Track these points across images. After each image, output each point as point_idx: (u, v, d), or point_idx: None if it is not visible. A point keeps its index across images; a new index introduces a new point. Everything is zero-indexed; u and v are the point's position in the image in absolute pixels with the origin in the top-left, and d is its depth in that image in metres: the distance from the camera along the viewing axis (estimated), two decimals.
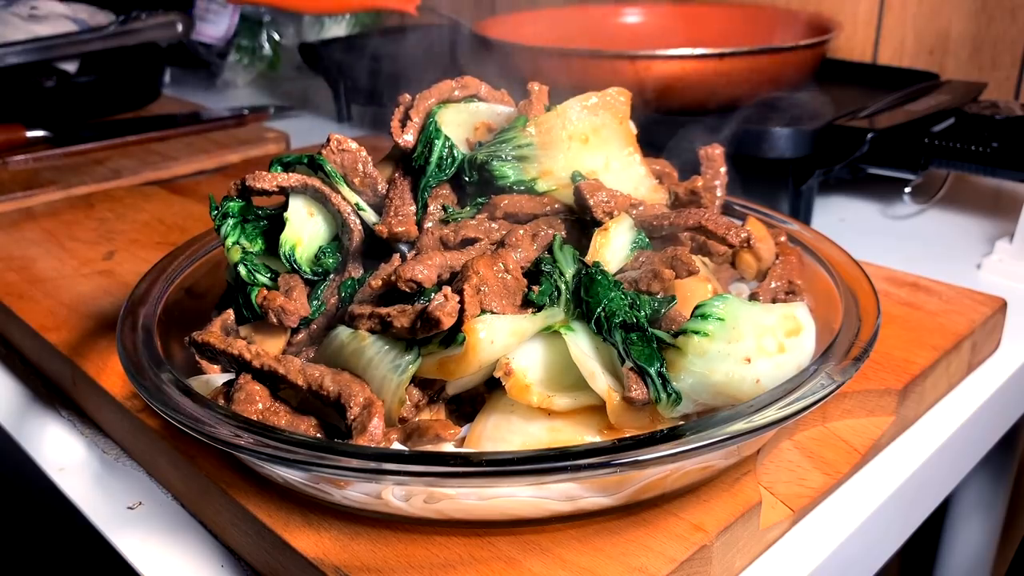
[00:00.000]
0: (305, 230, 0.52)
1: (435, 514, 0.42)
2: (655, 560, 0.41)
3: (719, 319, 0.42)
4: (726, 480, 0.45)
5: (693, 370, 0.42)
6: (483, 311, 0.43)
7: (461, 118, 0.55)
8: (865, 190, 0.97)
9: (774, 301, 0.52)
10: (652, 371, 0.42)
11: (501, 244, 0.49)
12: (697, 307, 0.43)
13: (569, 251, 0.47)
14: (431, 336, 0.43)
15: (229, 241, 0.52)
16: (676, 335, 0.43)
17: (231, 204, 0.53)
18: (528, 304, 0.45)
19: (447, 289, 0.42)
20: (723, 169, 0.59)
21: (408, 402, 0.45)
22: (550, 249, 0.48)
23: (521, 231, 0.49)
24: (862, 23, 1.10)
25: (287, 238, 0.51)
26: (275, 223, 0.53)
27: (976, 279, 0.78)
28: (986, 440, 0.66)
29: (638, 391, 0.42)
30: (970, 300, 0.64)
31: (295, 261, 0.51)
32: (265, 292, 0.49)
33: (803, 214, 0.86)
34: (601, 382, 0.43)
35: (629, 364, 0.43)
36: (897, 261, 0.71)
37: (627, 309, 0.44)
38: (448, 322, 0.42)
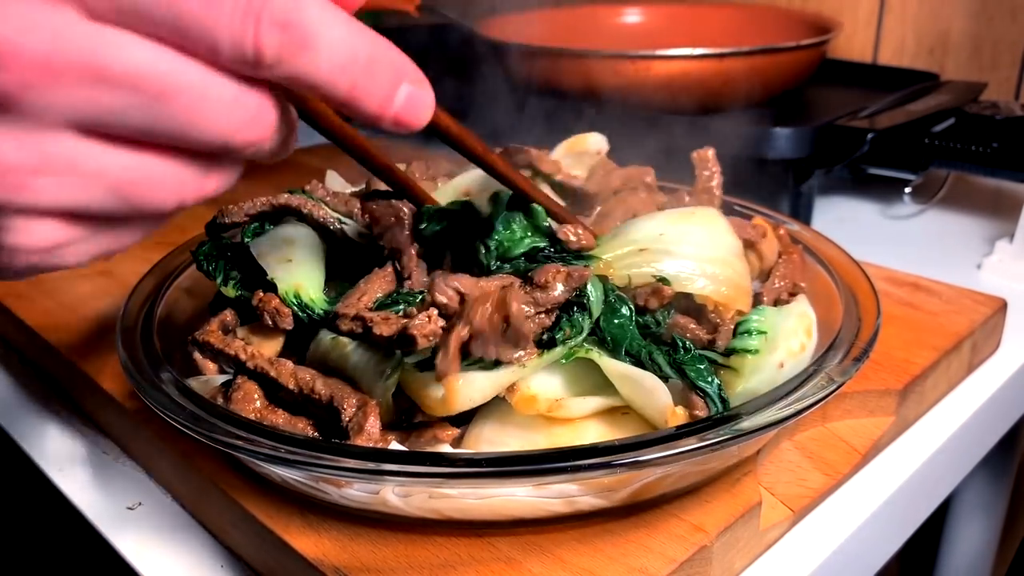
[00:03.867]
0: (293, 275, 0.50)
1: (435, 514, 0.42)
2: (655, 561, 0.41)
3: (762, 332, 0.43)
4: (726, 480, 0.45)
5: (748, 386, 0.43)
6: (471, 359, 0.42)
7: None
8: (865, 190, 0.97)
9: (776, 302, 0.52)
10: (711, 391, 0.42)
11: (529, 281, 0.43)
12: (739, 324, 0.43)
13: (599, 285, 0.45)
14: (408, 351, 0.42)
15: (219, 280, 0.52)
16: (728, 354, 0.43)
17: (202, 250, 0.53)
18: (541, 343, 0.43)
19: (433, 311, 0.42)
20: (717, 169, 0.59)
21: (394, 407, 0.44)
22: (582, 288, 0.44)
23: (554, 269, 0.44)
24: (862, 23, 1.10)
25: (286, 291, 0.49)
26: (241, 250, 0.53)
27: (976, 279, 0.78)
28: (986, 440, 0.66)
29: (702, 413, 0.42)
30: (970, 300, 0.64)
31: (306, 306, 0.49)
32: (261, 294, 0.49)
33: (803, 214, 0.86)
34: (665, 396, 0.42)
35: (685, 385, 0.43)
36: (897, 261, 0.71)
37: (642, 340, 0.44)
38: (423, 344, 0.41)
